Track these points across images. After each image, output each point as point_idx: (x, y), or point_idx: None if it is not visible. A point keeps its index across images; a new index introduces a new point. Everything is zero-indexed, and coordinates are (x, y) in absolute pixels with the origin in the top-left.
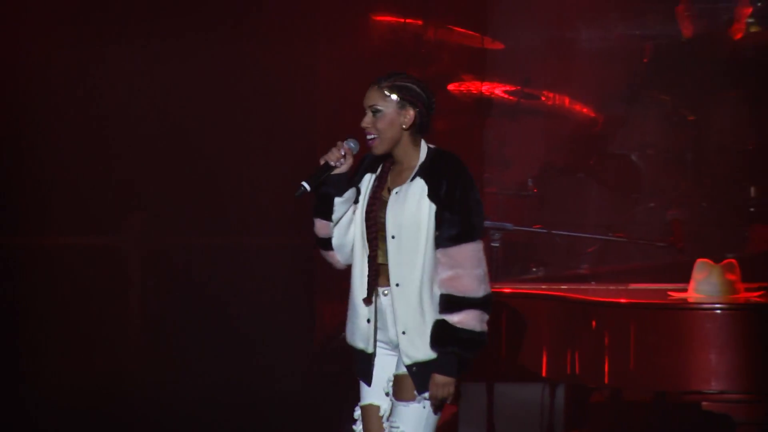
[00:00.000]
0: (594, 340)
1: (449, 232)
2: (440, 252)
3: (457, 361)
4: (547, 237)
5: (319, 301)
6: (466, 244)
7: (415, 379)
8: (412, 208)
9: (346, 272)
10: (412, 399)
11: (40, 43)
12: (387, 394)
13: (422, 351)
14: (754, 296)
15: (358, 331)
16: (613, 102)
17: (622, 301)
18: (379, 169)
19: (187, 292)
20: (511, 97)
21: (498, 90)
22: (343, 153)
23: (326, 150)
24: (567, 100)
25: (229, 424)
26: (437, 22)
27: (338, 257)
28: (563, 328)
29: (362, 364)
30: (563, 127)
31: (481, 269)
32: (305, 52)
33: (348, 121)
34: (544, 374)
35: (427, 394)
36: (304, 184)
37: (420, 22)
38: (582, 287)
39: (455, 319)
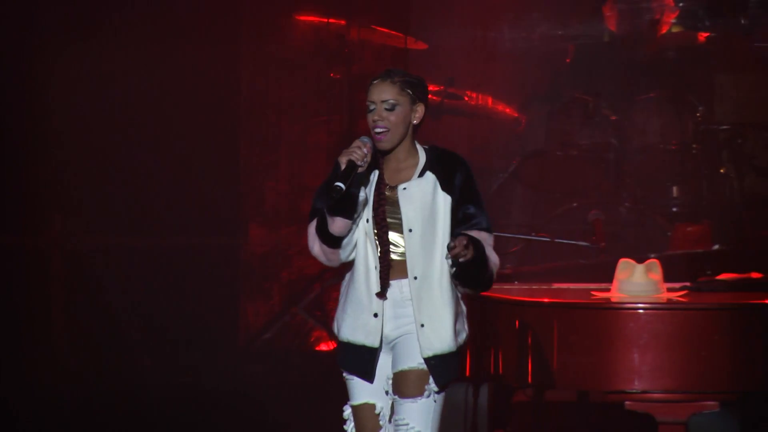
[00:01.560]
0: (517, 340)
1: (480, 224)
2: (474, 231)
3: (482, 258)
4: None
5: (243, 301)
6: (490, 236)
7: (434, 372)
8: (428, 200)
9: (268, 273)
10: (420, 394)
11: None
12: (387, 393)
13: (445, 343)
14: (676, 296)
15: (363, 327)
16: (536, 102)
17: (545, 300)
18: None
19: (111, 291)
20: (434, 97)
21: None
22: (365, 152)
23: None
24: (490, 100)
25: (153, 423)
26: (360, 22)
27: (341, 255)
28: (487, 328)
29: (362, 360)
30: (486, 127)
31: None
32: (228, 51)
33: (271, 120)
34: (467, 374)
35: (435, 387)
36: (340, 184)
37: (343, 22)
38: (505, 287)
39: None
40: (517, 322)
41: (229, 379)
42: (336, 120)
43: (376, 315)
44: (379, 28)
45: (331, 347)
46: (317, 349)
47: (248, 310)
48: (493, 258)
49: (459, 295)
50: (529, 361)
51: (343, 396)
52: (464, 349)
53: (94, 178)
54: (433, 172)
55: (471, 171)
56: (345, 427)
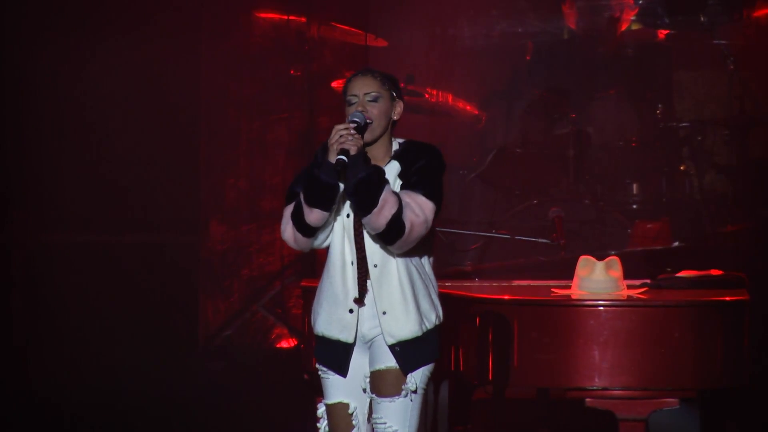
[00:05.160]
0: (478, 337)
1: (414, 186)
2: (405, 192)
3: (375, 181)
4: None
5: (202, 299)
6: (429, 201)
7: (399, 359)
8: None
9: (228, 271)
10: (397, 393)
11: None
12: (365, 391)
13: (407, 328)
14: (636, 293)
15: (338, 322)
16: (496, 99)
17: (506, 297)
18: None
19: (71, 289)
20: None
21: None
22: (353, 132)
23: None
24: (450, 98)
25: (112, 422)
26: (320, 20)
27: (312, 243)
28: (447, 325)
29: (336, 355)
30: (446, 125)
31: (424, 228)
32: (188, 49)
33: (231, 117)
34: None
35: (412, 386)
36: (343, 157)
37: (303, 20)
38: (466, 284)
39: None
40: (477, 319)
41: (189, 376)
42: (296, 117)
43: (351, 311)
44: (339, 26)
45: (292, 345)
46: (278, 346)
47: (208, 308)
48: (409, 214)
49: (430, 278)
50: (490, 358)
51: (302, 394)
52: (435, 333)
53: (54, 174)
54: (398, 161)
55: (437, 159)
56: (318, 424)
